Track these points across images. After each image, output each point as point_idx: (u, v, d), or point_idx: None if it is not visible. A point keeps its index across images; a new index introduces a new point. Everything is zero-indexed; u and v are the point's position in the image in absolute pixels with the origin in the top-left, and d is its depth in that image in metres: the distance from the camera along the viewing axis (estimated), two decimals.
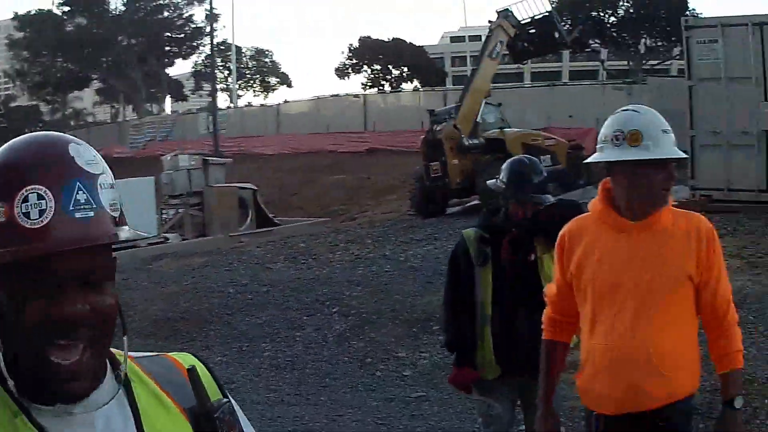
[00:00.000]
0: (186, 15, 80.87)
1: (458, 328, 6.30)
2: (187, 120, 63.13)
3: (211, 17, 58.48)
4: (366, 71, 75.11)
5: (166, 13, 79.77)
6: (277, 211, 32.31)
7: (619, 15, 55.06)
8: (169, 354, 1.99)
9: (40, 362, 1.63)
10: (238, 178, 32.90)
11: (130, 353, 1.87)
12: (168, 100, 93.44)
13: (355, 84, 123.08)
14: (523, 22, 30.47)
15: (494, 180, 6.27)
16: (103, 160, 1.73)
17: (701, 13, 51.77)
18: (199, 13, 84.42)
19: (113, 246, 1.74)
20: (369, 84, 73.63)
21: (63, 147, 1.68)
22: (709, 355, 4.46)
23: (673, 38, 51.45)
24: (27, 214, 1.59)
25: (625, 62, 58.95)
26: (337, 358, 12.24)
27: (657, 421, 4.29)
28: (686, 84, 19.65)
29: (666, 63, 62.32)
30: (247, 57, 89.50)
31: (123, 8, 77.52)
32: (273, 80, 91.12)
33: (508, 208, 6.09)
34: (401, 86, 71.46)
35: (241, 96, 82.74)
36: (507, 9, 29.92)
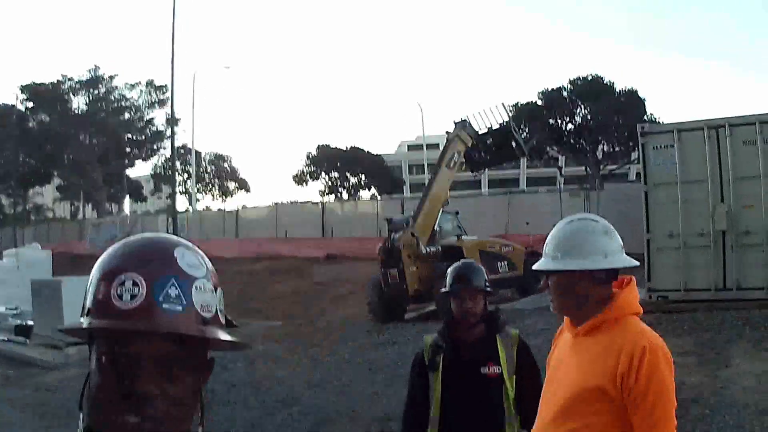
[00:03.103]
0: (147, 118, 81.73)
1: (410, 426, 6.38)
2: (147, 221, 62.98)
3: (172, 121, 58.75)
4: (324, 178, 75.62)
5: (127, 115, 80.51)
6: (236, 314, 31.94)
7: (576, 122, 55.60)
8: None
9: (109, 422, 1.81)
10: None
11: None
12: (127, 200, 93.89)
13: (312, 191, 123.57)
14: (481, 133, 30.71)
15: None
16: (211, 268, 1.96)
17: (659, 118, 52.40)
18: (159, 116, 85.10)
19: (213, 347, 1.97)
20: (327, 191, 74.18)
21: (169, 248, 1.90)
22: None
23: (630, 143, 51.83)
24: (120, 296, 1.80)
25: (583, 168, 59.36)
26: None
27: None
28: (642, 189, 19.81)
29: (625, 167, 62.91)
30: (206, 161, 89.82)
31: (85, 107, 78.11)
32: (231, 185, 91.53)
33: (460, 306, 6.18)
34: (359, 193, 72.04)
35: (199, 200, 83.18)
36: (464, 120, 30.12)
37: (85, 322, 1.84)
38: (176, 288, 1.81)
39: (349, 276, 37.71)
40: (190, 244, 1.96)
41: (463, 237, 28.87)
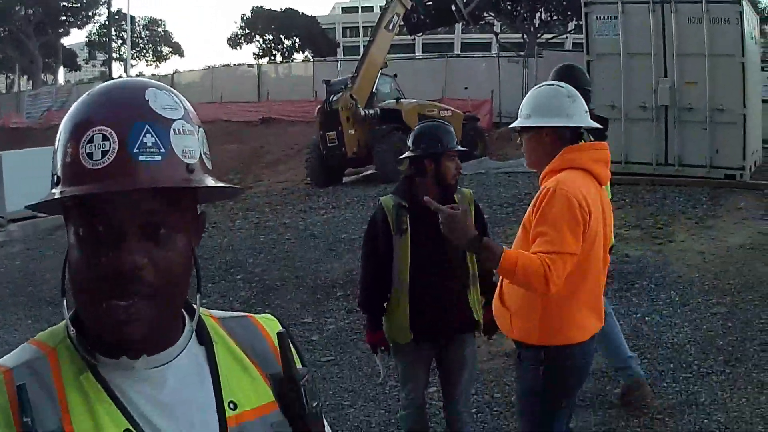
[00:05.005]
0: None
1: (373, 292, 6.36)
2: (83, 89, 61.53)
3: None
4: (258, 41, 74.79)
5: None
6: None
7: None
8: (254, 316, 1.97)
9: (95, 307, 1.61)
10: None
11: (214, 312, 1.91)
12: (61, 70, 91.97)
13: (247, 54, 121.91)
14: None
15: (407, 151, 6.25)
16: (189, 107, 1.71)
17: None
18: None
19: (195, 197, 1.76)
20: (261, 54, 73.39)
21: (139, 91, 1.66)
22: None
23: (568, 13, 51.73)
24: (90, 155, 1.57)
25: (519, 35, 59.07)
26: None
27: None
28: (585, 59, 19.82)
29: (561, 37, 62.80)
30: (140, 27, 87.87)
31: None
32: (165, 50, 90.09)
33: (442, 168, 6.06)
34: (293, 56, 71.38)
35: (134, 66, 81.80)
36: None
37: (55, 192, 1.61)
38: (152, 135, 1.60)
39: (285, 140, 37.55)
40: (161, 84, 1.72)
41: (402, 100, 28.67)
